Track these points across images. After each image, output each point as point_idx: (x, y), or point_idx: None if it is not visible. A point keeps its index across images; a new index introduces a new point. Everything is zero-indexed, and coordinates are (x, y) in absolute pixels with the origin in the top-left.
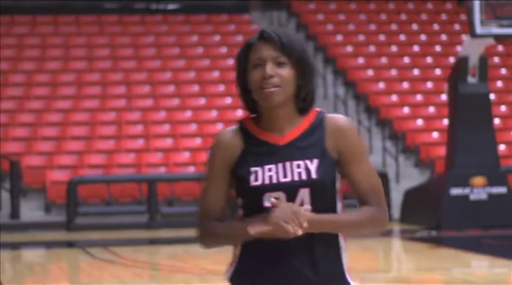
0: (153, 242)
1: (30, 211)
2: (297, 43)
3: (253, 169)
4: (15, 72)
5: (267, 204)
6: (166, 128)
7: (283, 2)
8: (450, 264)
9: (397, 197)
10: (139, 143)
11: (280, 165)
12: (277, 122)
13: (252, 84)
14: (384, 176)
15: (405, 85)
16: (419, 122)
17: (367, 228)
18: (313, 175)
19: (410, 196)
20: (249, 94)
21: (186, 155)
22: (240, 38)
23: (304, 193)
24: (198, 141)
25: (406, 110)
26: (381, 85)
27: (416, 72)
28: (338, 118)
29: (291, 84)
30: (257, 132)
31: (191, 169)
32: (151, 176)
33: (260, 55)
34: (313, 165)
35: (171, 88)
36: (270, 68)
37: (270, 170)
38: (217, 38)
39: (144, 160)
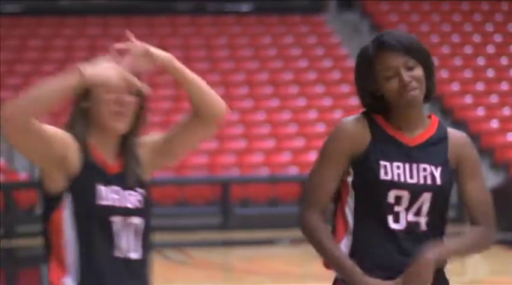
0: (226, 243)
1: None
2: (418, 42)
3: (382, 162)
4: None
5: (390, 201)
6: (240, 129)
7: (356, 2)
8: None
9: None
10: (213, 145)
11: (407, 165)
12: (410, 122)
13: (390, 94)
14: None
15: (480, 86)
16: (495, 123)
17: (478, 250)
18: (438, 181)
19: None
20: (377, 99)
21: (259, 157)
22: (313, 39)
23: (426, 197)
24: (271, 143)
25: (481, 111)
26: (456, 86)
27: (491, 72)
28: (460, 132)
29: (424, 83)
30: (387, 128)
31: (265, 171)
32: (224, 178)
33: (389, 66)
34: (437, 171)
35: (245, 90)
36: (406, 75)
37: (398, 167)
38: (290, 39)
39: (218, 162)
